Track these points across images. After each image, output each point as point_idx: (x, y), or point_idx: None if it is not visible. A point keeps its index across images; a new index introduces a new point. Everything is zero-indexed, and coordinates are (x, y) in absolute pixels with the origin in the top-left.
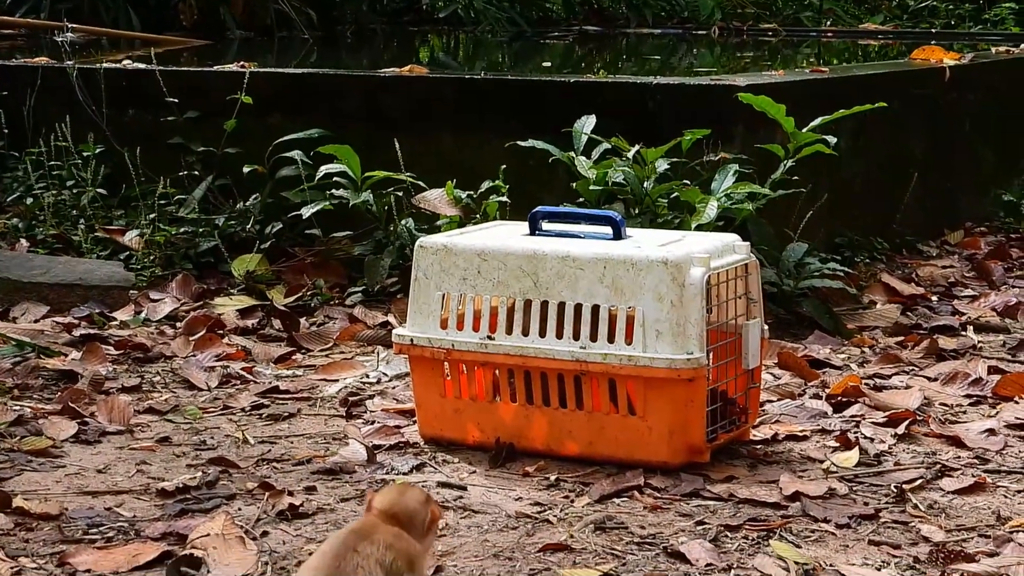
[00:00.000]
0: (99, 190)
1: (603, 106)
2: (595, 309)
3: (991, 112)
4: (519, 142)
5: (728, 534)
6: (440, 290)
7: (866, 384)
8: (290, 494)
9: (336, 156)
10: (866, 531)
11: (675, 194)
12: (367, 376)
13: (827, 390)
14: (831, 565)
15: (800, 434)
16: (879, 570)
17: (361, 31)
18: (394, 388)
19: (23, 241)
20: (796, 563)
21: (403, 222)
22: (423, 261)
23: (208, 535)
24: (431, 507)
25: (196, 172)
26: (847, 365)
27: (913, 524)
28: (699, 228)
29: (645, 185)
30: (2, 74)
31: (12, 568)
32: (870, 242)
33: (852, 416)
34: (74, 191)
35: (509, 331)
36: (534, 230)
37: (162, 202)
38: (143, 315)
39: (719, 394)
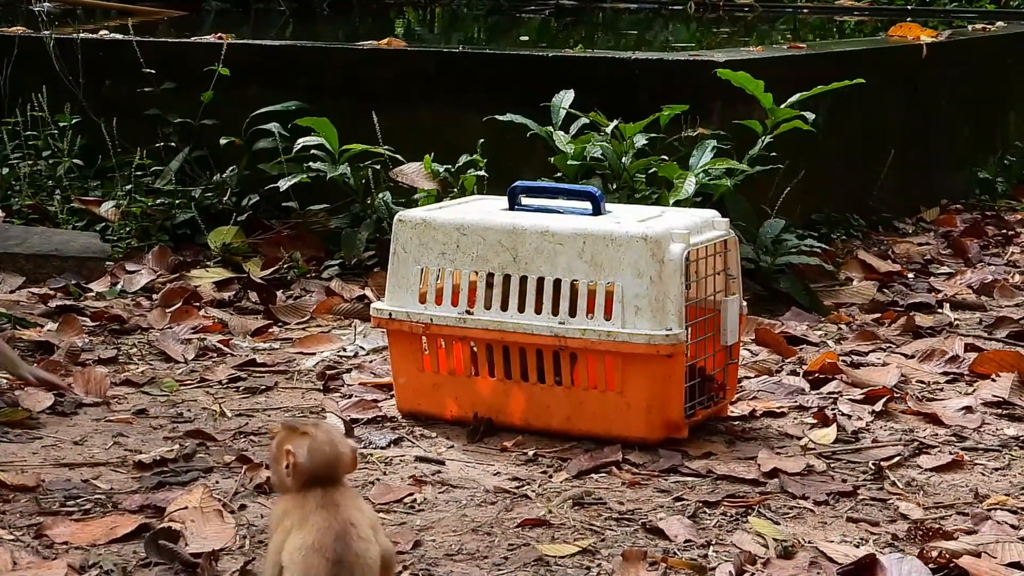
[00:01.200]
0: (75, 161)
1: (581, 81)
2: (574, 284)
3: (967, 90)
4: (497, 116)
5: (706, 510)
6: (419, 264)
7: (843, 361)
8: (267, 467)
9: (313, 129)
10: (844, 508)
11: (653, 169)
12: (344, 350)
13: (804, 367)
14: (809, 542)
15: (778, 411)
16: (857, 547)
17: (337, 3)
18: (371, 362)
19: None
20: (775, 540)
21: (380, 196)
22: (402, 235)
23: (186, 508)
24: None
25: (173, 144)
26: (824, 342)
27: (891, 501)
28: (677, 204)
29: (623, 160)
30: None
31: None
32: (847, 219)
33: (829, 393)
34: (50, 161)
35: (488, 306)
36: (513, 205)
37: (138, 173)
38: (119, 287)
39: (697, 370)
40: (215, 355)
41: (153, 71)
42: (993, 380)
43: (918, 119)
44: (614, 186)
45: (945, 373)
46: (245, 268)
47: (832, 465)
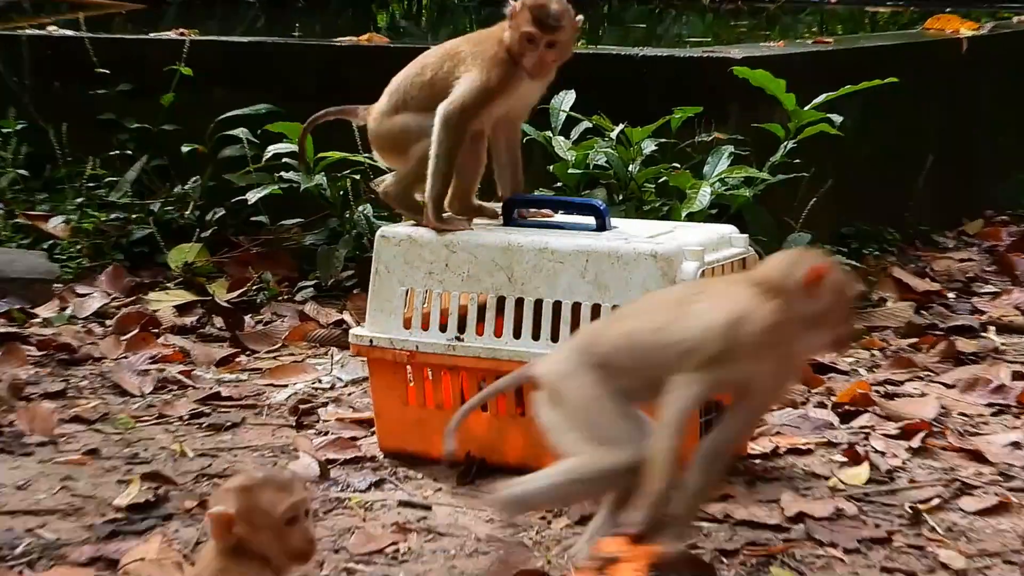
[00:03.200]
0: (20, 171)
1: (584, 80)
2: (576, 307)
3: (1013, 88)
4: None
5: (724, 560)
6: (403, 285)
7: (876, 391)
8: None
9: (286, 135)
10: (878, 557)
11: (663, 179)
12: (320, 381)
13: (833, 398)
14: None
15: (803, 447)
16: None
17: None
18: (350, 395)
19: None
20: None
21: (361, 209)
22: (384, 253)
23: (142, 560)
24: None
25: (129, 151)
26: (855, 370)
27: (930, 549)
28: (690, 216)
29: (630, 168)
30: None
31: None
32: (880, 232)
33: (861, 427)
34: None
35: (480, 332)
36: (508, 219)
37: (91, 185)
38: (69, 311)
39: (713, 403)
40: (175, 388)
41: (107, 71)
42: None
43: (958, 121)
44: (620, 197)
45: (990, 404)
46: (209, 290)
47: (864, 508)
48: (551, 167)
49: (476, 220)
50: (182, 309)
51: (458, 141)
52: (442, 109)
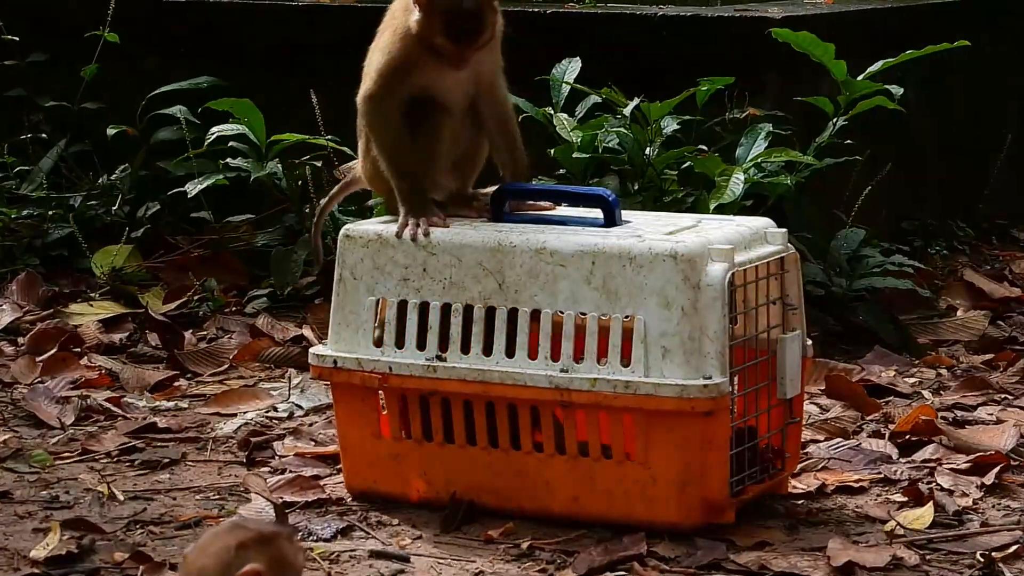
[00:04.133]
0: None
1: (591, 46)
2: (580, 319)
3: None
4: None
5: None
6: (373, 295)
7: (943, 418)
8: (172, 568)
9: (232, 113)
10: None
11: (687, 164)
12: (275, 409)
13: (891, 426)
14: None
15: (855, 485)
16: None
17: None
18: (311, 425)
19: None
20: None
21: (323, 202)
22: (350, 255)
23: None
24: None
25: (44, 135)
26: (918, 392)
27: None
28: (719, 208)
29: (647, 152)
30: None
31: None
32: (948, 227)
33: (924, 461)
34: None
35: (466, 349)
36: (499, 214)
37: None
38: None
39: (747, 432)
40: (102, 418)
41: (16, 38)
42: None
43: None
44: (635, 186)
45: None
46: (142, 301)
47: (928, 557)
48: (552, 151)
49: (456, 215)
50: (109, 324)
51: (388, 128)
52: (358, 97)
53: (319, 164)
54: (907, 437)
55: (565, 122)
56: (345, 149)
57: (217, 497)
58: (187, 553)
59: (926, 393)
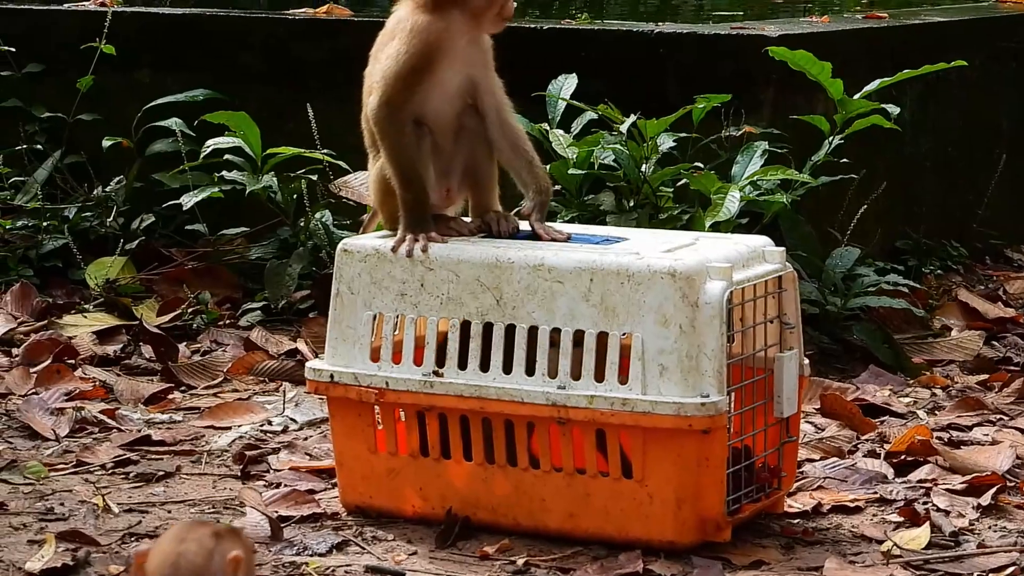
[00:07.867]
0: None
1: (587, 62)
2: (578, 336)
3: None
4: None
5: None
6: (370, 309)
7: (939, 439)
8: None
9: (228, 126)
10: None
11: (683, 181)
12: (269, 423)
13: (887, 446)
14: None
15: (851, 505)
16: None
17: None
18: (306, 439)
19: None
20: None
21: (318, 216)
22: (347, 270)
23: None
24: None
25: (39, 146)
26: (913, 412)
27: None
28: (715, 226)
29: (643, 169)
30: None
31: None
32: (942, 247)
33: (920, 481)
34: None
35: (463, 365)
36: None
37: None
38: None
39: (743, 451)
40: (96, 430)
41: (12, 48)
42: None
43: None
44: (631, 203)
45: None
46: (136, 313)
47: None
48: (547, 167)
49: (451, 231)
50: (103, 336)
51: (401, 136)
52: (367, 106)
53: (314, 178)
54: (903, 457)
55: (561, 138)
56: (340, 163)
57: (212, 511)
58: (149, 549)
59: (921, 413)
